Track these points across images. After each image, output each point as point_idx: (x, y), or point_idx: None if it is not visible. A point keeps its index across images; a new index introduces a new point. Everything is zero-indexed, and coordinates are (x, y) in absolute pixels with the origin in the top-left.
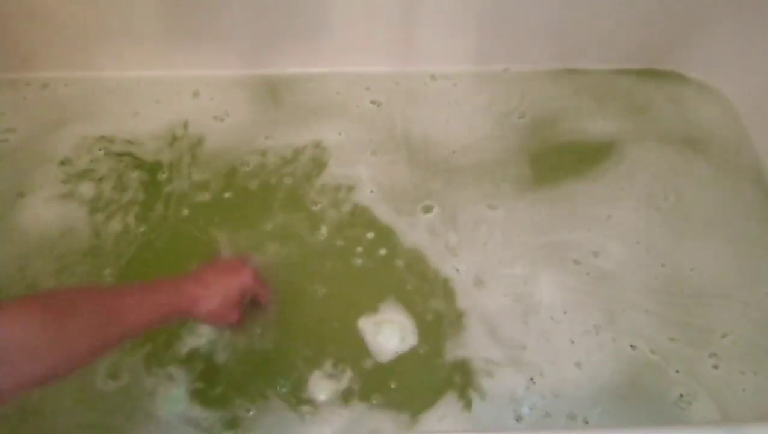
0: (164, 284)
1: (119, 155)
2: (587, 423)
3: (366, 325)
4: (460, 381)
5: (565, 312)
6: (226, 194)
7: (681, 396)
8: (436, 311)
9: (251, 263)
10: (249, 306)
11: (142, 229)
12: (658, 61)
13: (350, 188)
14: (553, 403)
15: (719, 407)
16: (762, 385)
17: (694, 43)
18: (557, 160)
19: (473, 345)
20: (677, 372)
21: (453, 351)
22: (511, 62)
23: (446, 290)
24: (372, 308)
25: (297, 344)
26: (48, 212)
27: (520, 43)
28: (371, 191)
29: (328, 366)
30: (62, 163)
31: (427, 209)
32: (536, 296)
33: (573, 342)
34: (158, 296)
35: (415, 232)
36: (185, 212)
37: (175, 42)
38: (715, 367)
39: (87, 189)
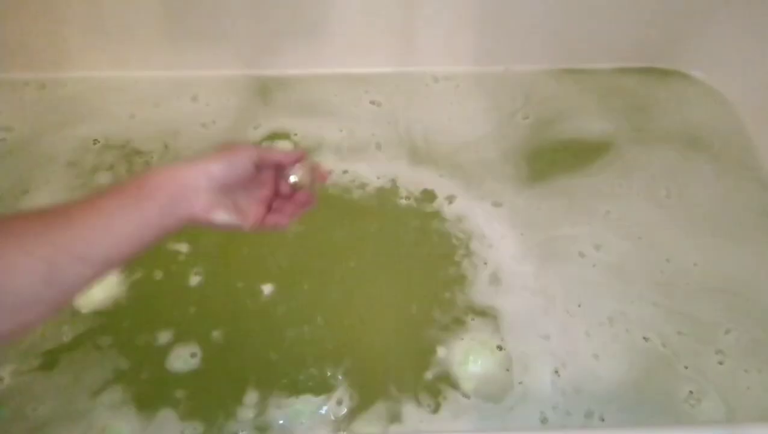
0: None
1: (114, 156)
2: (603, 420)
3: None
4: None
5: (579, 305)
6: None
7: (691, 393)
8: (477, 315)
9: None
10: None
11: None
12: (659, 61)
13: (355, 183)
14: (573, 400)
15: (726, 405)
16: (765, 383)
17: (695, 43)
18: (558, 158)
19: (512, 341)
20: (686, 368)
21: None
22: (512, 62)
23: (471, 290)
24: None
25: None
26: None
27: (521, 43)
28: (377, 187)
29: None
30: (61, 162)
31: (433, 205)
32: (549, 290)
33: (589, 334)
34: (123, 189)
35: (423, 229)
36: None
37: (173, 43)
38: (721, 363)
39: (86, 187)
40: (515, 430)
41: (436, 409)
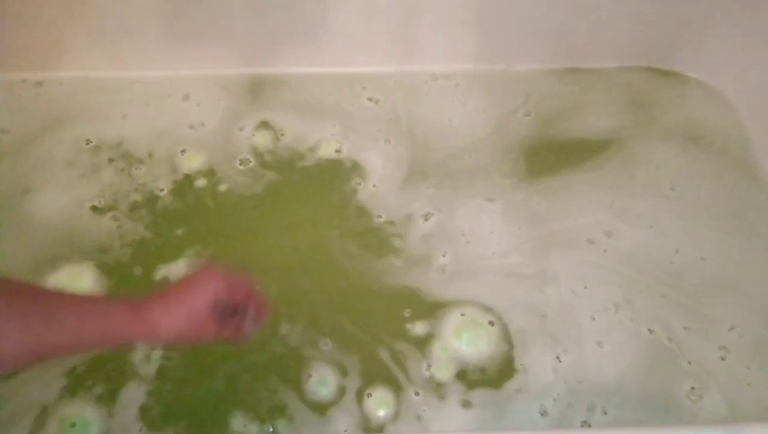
0: (117, 301)
1: (107, 156)
2: (606, 414)
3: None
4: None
5: (585, 287)
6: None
7: (692, 389)
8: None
9: (221, 269)
10: (234, 316)
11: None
12: (659, 61)
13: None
14: (576, 390)
15: (727, 402)
16: (767, 380)
17: (694, 43)
18: (558, 154)
19: (515, 322)
20: (689, 363)
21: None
22: (512, 61)
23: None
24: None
25: None
26: (51, 207)
27: (521, 43)
28: (374, 185)
29: None
30: (59, 162)
31: (429, 212)
32: (551, 273)
33: (593, 318)
34: (108, 307)
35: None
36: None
37: (171, 42)
38: (723, 359)
39: (86, 187)
40: (515, 430)
41: (429, 395)
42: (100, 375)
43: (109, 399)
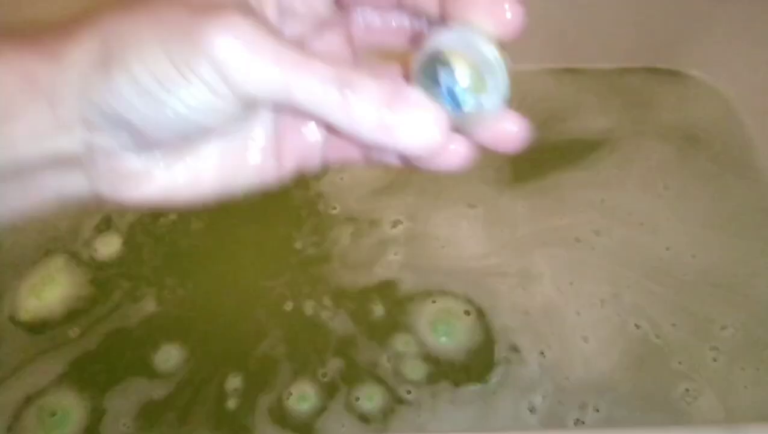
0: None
1: None
2: (598, 411)
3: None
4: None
5: (571, 284)
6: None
7: (687, 390)
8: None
9: None
10: None
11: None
12: (658, 60)
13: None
14: (564, 387)
15: (722, 403)
16: (763, 382)
17: (695, 43)
18: (550, 156)
19: (496, 318)
20: (680, 363)
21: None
22: (511, 62)
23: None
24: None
25: None
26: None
27: (520, 43)
28: (341, 178)
29: None
30: None
31: (398, 219)
32: (535, 272)
33: (579, 314)
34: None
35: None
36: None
37: None
38: (715, 360)
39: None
40: (512, 429)
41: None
42: (102, 365)
43: (101, 390)
